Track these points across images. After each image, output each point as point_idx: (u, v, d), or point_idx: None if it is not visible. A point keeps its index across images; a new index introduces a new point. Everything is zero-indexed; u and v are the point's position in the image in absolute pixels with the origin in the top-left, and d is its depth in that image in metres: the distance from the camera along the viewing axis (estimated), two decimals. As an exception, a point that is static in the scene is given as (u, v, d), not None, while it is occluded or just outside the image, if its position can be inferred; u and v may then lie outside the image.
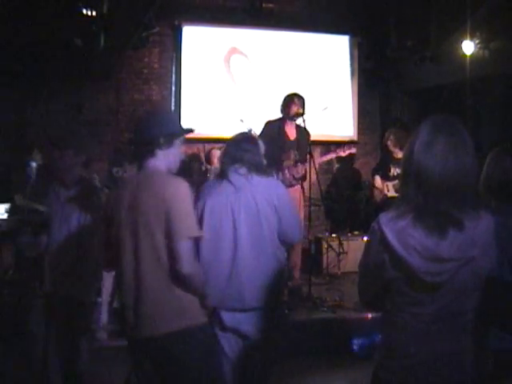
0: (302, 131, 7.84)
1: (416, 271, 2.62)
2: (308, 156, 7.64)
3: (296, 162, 7.69)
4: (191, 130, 3.95)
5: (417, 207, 2.67)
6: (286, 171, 7.68)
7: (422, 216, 2.64)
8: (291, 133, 7.76)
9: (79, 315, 4.84)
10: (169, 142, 3.73)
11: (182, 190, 3.64)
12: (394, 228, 2.68)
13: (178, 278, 3.53)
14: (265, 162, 4.77)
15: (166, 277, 3.53)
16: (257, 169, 4.62)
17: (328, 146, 10.09)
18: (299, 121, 7.80)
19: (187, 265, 3.51)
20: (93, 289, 5.18)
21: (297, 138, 7.75)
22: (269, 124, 7.80)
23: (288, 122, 7.80)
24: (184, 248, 3.52)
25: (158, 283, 3.54)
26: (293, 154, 7.68)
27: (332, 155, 8.46)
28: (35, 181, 8.65)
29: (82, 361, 4.82)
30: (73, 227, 4.87)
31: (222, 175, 4.57)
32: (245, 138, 4.87)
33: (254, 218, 4.37)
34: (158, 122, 3.82)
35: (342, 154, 8.38)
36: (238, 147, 4.70)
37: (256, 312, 4.36)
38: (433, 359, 2.69)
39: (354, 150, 8.49)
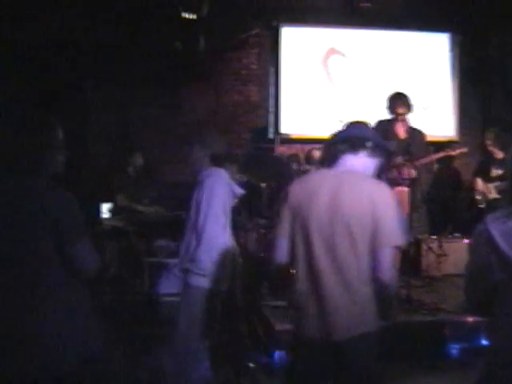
0: (415, 131, 7.75)
1: None
2: (423, 156, 7.63)
3: (405, 162, 7.57)
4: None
5: None
6: (395, 170, 7.60)
7: None
8: (401, 132, 7.66)
9: None
10: (373, 150, 3.71)
11: (389, 194, 3.60)
12: (502, 229, 2.61)
13: (374, 282, 3.50)
14: None
15: (365, 279, 3.49)
16: None
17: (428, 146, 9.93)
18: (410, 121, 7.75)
19: (388, 272, 3.47)
20: None
21: (407, 138, 7.63)
22: (379, 123, 7.75)
23: (398, 122, 7.71)
24: (387, 255, 3.48)
25: (357, 284, 3.48)
26: (401, 154, 7.56)
27: (441, 154, 8.29)
28: (135, 182, 8.85)
29: None
30: None
31: None
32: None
33: None
34: (371, 129, 3.88)
35: (452, 153, 8.22)
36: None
37: None
38: None
39: (465, 150, 8.26)
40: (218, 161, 5.16)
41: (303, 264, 3.56)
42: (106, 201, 8.92)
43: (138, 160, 9.13)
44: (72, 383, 3.35)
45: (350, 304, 3.47)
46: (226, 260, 5.10)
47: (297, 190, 3.68)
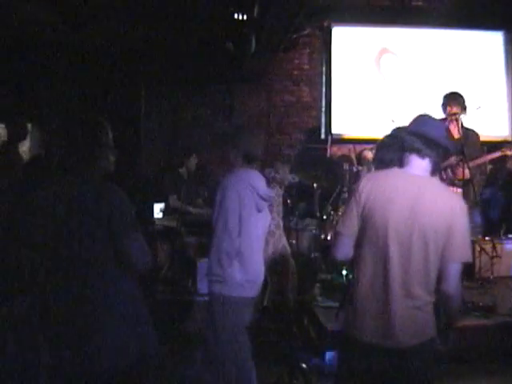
0: (468, 132, 7.68)
1: None
2: (477, 157, 7.58)
3: (459, 162, 7.49)
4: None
5: None
6: (449, 170, 7.54)
7: None
8: (455, 132, 7.57)
9: None
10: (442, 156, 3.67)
11: (465, 207, 3.57)
12: None
13: (439, 293, 3.48)
14: None
15: (431, 289, 3.47)
16: None
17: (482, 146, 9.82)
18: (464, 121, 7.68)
19: (454, 286, 3.46)
20: None
21: (461, 138, 7.54)
22: None
23: (451, 122, 7.63)
24: (456, 270, 3.46)
25: (425, 293, 3.45)
26: (455, 154, 7.48)
27: (497, 154, 8.18)
28: (188, 183, 8.91)
29: None
30: None
31: None
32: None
33: None
34: (441, 127, 3.78)
35: (509, 152, 8.11)
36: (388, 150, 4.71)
37: None
38: None
39: None
40: (251, 161, 5.02)
41: (372, 267, 3.50)
42: (159, 201, 8.99)
43: (193, 161, 9.19)
44: (129, 380, 3.39)
45: (414, 312, 3.45)
46: (248, 265, 4.78)
47: (368, 189, 3.56)
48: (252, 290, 4.82)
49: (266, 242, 6.97)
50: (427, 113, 3.81)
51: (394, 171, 3.65)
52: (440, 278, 3.44)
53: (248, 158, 5.00)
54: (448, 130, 7.56)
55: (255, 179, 4.93)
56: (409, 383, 3.51)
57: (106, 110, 8.83)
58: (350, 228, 3.57)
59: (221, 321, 4.74)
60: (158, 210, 8.94)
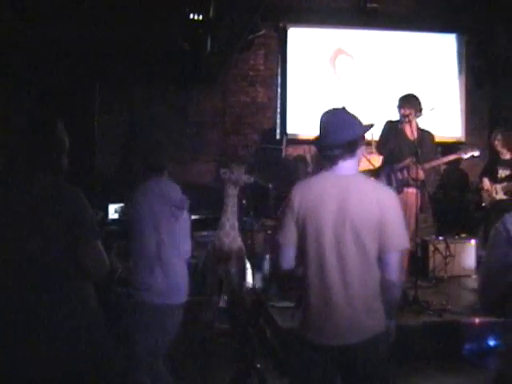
0: (423, 133, 7.75)
1: None
2: (431, 158, 7.68)
3: (414, 163, 7.55)
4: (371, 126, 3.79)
5: None
6: (404, 171, 7.60)
7: None
8: (409, 133, 7.62)
9: None
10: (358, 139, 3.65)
11: (394, 197, 3.61)
12: None
13: (382, 283, 3.52)
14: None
15: (374, 284, 3.51)
16: None
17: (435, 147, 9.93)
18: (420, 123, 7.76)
19: (395, 274, 3.50)
20: None
21: (416, 139, 7.60)
22: (388, 124, 7.78)
23: (405, 123, 7.68)
24: (395, 259, 3.50)
25: (366, 289, 3.49)
26: (410, 155, 7.54)
27: (452, 156, 8.26)
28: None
29: None
30: None
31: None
32: None
33: None
34: (352, 117, 3.72)
35: (464, 156, 8.20)
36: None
37: None
38: None
39: (477, 153, 8.19)
40: (155, 169, 4.83)
41: (314, 270, 3.52)
42: (114, 202, 8.92)
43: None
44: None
45: (360, 309, 3.47)
46: (170, 272, 4.69)
47: (300, 196, 3.60)
48: (176, 297, 4.72)
49: (222, 243, 6.97)
50: (327, 110, 3.80)
51: (322, 175, 3.69)
52: (382, 268, 3.49)
53: (151, 166, 4.86)
54: (403, 132, 7.64)
55: (166, 188, 4.81)
56: (363, 380, 3.54)
57: (60, 108, 8.73)
58: (290, 238, 3.60)
59: (142, 327, 4.65)
60: (112, 210, 8.88)
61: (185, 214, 4.89)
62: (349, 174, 3.60)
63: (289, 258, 3.64)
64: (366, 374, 3.51)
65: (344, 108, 3.78)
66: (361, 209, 3.45)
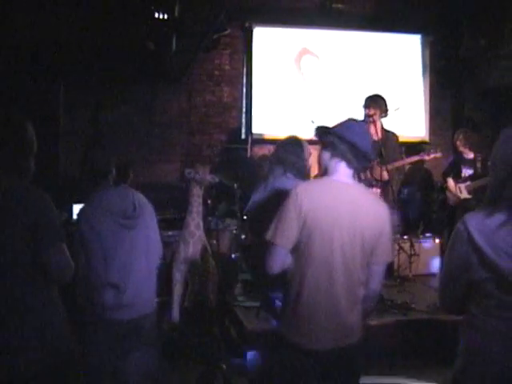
0: (388, 133, 7.79)
1: (506, 274, 2.58)
2: (395, 158, 7.76)
3: (378, 164, 7.57)
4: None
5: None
6: (368, 171, 7.62)
7: None
8: (373, 134, 7.63)
9: None
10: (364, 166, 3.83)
11: (388, 211, 3.67)
12: (482, 229, 2.65)
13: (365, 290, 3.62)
14: (309, 165, 5.13)
15: (357, 293, 3.57)
16: (297, 171, 5.03)
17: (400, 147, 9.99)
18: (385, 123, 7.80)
19: (379, 285, 3.65)
20: None
21: (380, 140, 7.62)
22: None
23: (370, 124, 7.70)
24: (381, 271, 3.62)
25: (350, 297, 3.54)
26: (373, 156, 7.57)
27: (415, 158, 8.33)
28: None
29: None
30: None
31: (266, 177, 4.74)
32: (291, 141, 5.28)
33: None
34: (366, 134, 3.83)
35: (427, 158, 8.26)
36: (284, 149, 4.94)
37: None
38: None
39: (439, 155, 8.26)
40: (102, 177, 4.73)
41: (316, 277, 3.52)
42: (78, 202, 8.84)
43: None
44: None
45: (356, 314, 3.58)
46: (124, 288, 4.55)
47: (308, 200, 3.52)
48: (128, 313, 4.57)
49: (186, 243, 6.95)
50: (354, 118, 3.86)
51: (327, 180, 3.69)
52: (368, 278, 3.56)
53: (96, 175, 4.77)
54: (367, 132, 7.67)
55: (110, 201, 4.63)
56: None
57: (24, 109, 8.64)
58: (288, 240, 3.55)
59: (93, 344, 4.57)
60: (77, 210, 8.78)
61: (144, 219, 4.74)
62: (353, 183, 3.66)
63: (281, 262, 3.59)
64: (352, 375, 3.64)
65: None
66: (369, 220, 3.52)
